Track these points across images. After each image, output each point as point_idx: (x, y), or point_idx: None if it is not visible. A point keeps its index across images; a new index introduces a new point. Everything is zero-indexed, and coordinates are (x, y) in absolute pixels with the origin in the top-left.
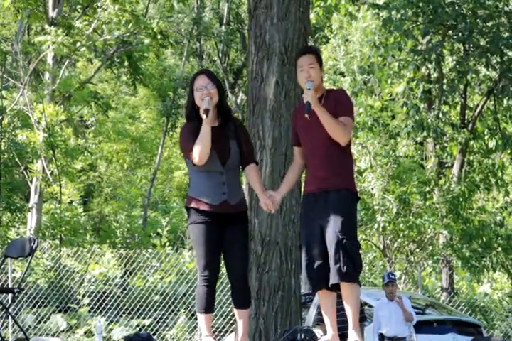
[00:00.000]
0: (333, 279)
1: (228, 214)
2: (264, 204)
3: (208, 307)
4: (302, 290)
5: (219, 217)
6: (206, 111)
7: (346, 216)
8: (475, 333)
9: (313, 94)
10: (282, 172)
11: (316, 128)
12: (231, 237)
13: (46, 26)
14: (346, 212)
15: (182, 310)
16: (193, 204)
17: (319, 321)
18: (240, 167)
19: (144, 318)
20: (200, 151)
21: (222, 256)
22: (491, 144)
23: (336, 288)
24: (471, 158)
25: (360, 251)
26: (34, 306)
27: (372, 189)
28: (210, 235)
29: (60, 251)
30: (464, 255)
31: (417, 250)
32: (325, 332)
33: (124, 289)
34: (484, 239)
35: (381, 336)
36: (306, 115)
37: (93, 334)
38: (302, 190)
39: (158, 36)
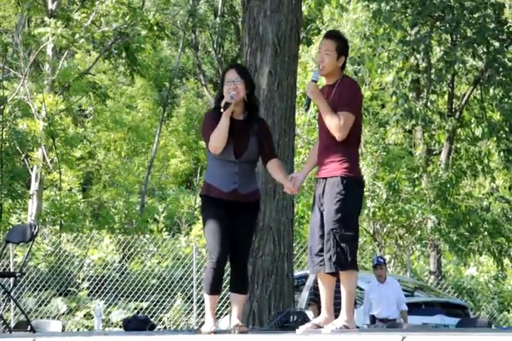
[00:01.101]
0: (327, 268)
1: (238, 203)
2: (287, 188)
3: (214, 289)
4: (295, 274)
5: (229, 204)
6: (226, 105)
7: (340, 203)
8: (462, 314)
9: (314, 87)
10: None
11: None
12: (238, 225)
13: (46, 18)
14: (340, 199)
15: (178, 294)
16: (205, 192)
17: (311, 301)
18: (262, 163)
19: (141, 301)
20: (215, 142)
21: None
22: (478, 132)
23: (334, 273)
24: (459, 145)
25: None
26: (35, 290)
27: (362, 175)
28: (222, 221)
29: (60, 236)
30: (451, 239)
31: (406, 234)
32: (316, 314)
33: (122, 273)
34: (471, 223)
35: (372, 317)
36: (305, 110)
37: (92, 317)
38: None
39: (155, 28)
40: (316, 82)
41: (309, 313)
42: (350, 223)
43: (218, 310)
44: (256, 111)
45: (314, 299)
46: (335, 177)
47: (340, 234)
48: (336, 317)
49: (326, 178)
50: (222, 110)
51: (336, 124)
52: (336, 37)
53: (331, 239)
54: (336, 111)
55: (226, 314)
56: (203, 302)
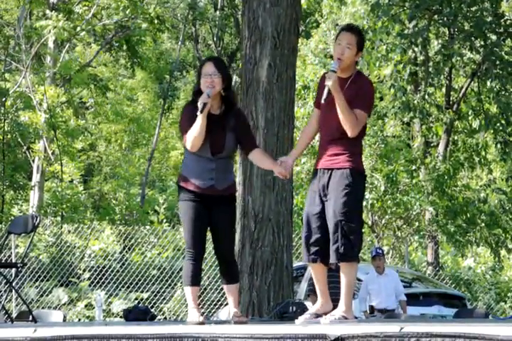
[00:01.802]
0: (332, 258)
1: (215, 196)
2: (278, 173)
3: (194, 281)
4: (294, 265)
5: (206, 198)
6: (203, 106)
7: (348, 195)
8: (459, 305)
9: (335, 79)
10: (275, 151)
11: (334, 109)
12: (218, 218)
13: (47, 11)
14: (348, 191)
15: (179, 284)
16: (182, 184)
17: (310, 292)
18: (244, 155)
19: (142, 292)
20: (192, 141)
21: (210, 235)
22: (475, 124)
23: (330, 263)
24: (456, 137)
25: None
26: (37, 280)
27: None
28: (198, 212)
29: (62, 227)
30: (448, 230)
31: (404, 226)
32: (314, 304)
33: (123, 264)
34: (468, 215)
35: (371, 308)
36: (323, 101)
37: (93, 307)
38: (294, 168)
39: (155, 21)
40: (335, 72)
41: (308, 304)
42: (357, 215)
43: (218, 301)
44: (233, 105)
45: (313, 289)
46: (343, 168)
47: (348, 225)
48: (334, 307)
49: (331, 169)
50: (199, 111)
51: (352, 121)
52: (357, 31)
53: (339, 231)
54: (350, 106)
55: (226, 304)
56: (202, 293)
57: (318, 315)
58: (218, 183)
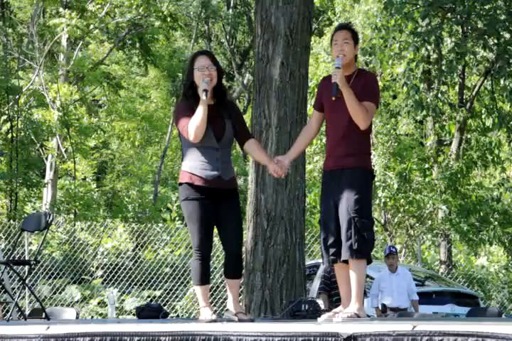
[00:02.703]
0: (345, 255)
1: (221, 190)
2: (272, 170)
3: (204, 280)
4: (307, 263)
5: (212, 192)
6: (205, 92)
7: (359, 194)
8: (472, 304)
9: (342, 74)
10: (287, 149)
11: (341, 108)
12: (225, 213)
13: (61, 9)
14: (359, 190)
15: (191, 282)
16: (187, 180)
17: (321, 290)
18: (239, 146)
19: (154, 289)
20: (196, 129)
21: (217, 230)
22: (488, 123)
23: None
24: (469, 136)
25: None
26: (50, 278)
27: (374, 166)
28: (204, 211)
29: (75, 225)
30: (461, 229)
31: (417, 224)
32: (326, 302)
33: (136, 262)
34: (481, 213)
35: (383, 306)
36: (333, 97)
37: (106, 305)
38: (307, 166)
39: (168, 19)
40: (340, 68)
41: (320, 302)
42: (369, 213)
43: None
44: (225, 96)
45: (325, 288)
46: (354, 168)
47: (361, 222)
48: (337, 306)
49: (342, 170)
50: (202, 97)
51: (363, 113)
52: (349, 28)
53: (352, 227)
54: (358, 99)
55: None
56: (215, 291)
57: None
58: (224, 173)
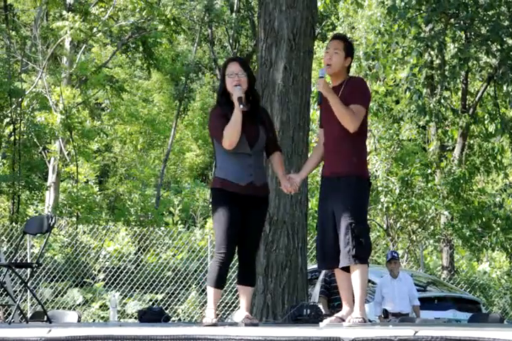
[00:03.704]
0: (343, 262)
1: (252, 197)
2: (284, 186)
3: (219, 284)
4: (309, 267)
5: (243, 199)
6: (240, 100)
7: (355, 201)
8: (474, 310)
9: (325, 83)
10: (290, 153)
11: (333, 117)
12: (251, 220)
13: (64, 12)
14: (355, 197)
15: (193, 286)
16: (219, 185)
17: (321, 294)
18: (266, 154)
19: (156, 293)
20: (230, 137)
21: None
22: (491, 128)
23: (347, 269)
24: (472, 141)
25: (371, 234)
26: (52, 280)
27: (376, 171)
28: (233, 216)
29: (77, 228)
30: (464, 235)
31: (419, 230)
32: (325, 306)
33: (138, 265)
34: (484, 219)
35: (385, 312)
36: (318, 105)
37: (108, 308)
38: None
39: (171, 23)
40: (323, 77)
41: (320, 306)
42: (365, 219)
43: (233, 303)
44: (258, 103)
45: (324, 292)
46: (350, 176)
47: (358, 228)
48: (337, 311)
49: (339, 177)
50: (236, 105)
51: (350, 116)
52: (343, 38)
53: (349, 233)
54: (347, 104)
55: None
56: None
57: (343, 320)
58: (257, 179)
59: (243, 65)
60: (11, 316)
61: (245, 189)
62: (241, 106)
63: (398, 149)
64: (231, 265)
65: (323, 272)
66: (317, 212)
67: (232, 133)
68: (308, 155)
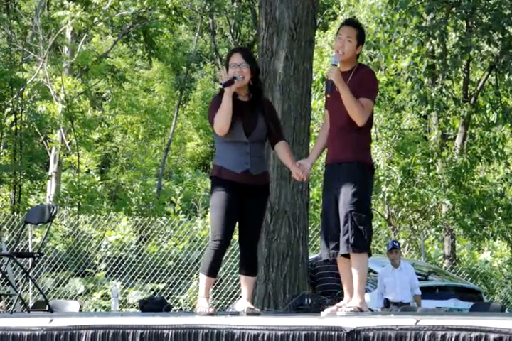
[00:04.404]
0: (343, 250)
1: (249, 186)
2: (295, 174)
3: (213, 271)
4: (310, 257)
5: (240, 187)
6: (230, 82)
7: (357, 188)
8: (476, 299)
9: (338, 72)
10: (291, 143)
11: (338, 103)
12: (250, 209)
13: (65, 2)
14: (357, 184)
15: (194, 275)
16: (216, 174)
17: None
18: (270, 145)
19: (158, 283)
20: (219, 122)
21: (237, 224)
22: (492, 117)
23: (348, 255)
24: (473, 130)
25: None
26: (53, 270)
27: (377, 160)
28: (230, 204)
29: (78, 217)
30: (465, 224)
31: (421, 219)
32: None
33: (139, 255)
34: (485, 208)
35: (386, 301)
36: (328, 95)
37: (109, 298)
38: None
39: (173, 12)
40: (336, 65)
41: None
42: (366, 206)
43: (234, 292)
44: (261, 94)
45: (309, 281)
46: (351, 162)
47: (358, 216)
48: (339, 300)
49: (340, 163)
50: (224, 87)
51: (359, 110)
52: (356, 25)
53: (349, 221)
54: (355, 96)
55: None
56: (218, 284)
57: None
58: (253, 168)
59: (246, 55)
60: (13, 306)
61: (241, 177)
62: (226, 88)
63: (399, 138)
64: (233, 254)
65: (307, 261)
66: (318, 201)
67: (220, 119)
68: (310, 145)
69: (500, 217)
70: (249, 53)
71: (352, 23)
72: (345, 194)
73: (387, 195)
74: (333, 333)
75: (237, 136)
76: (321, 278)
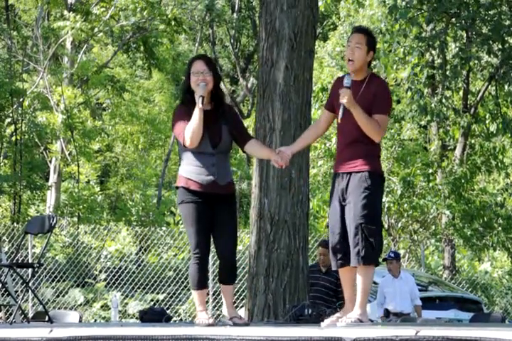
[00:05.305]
0: (353, 262)
1: (217, 195)
2: (274, 161)
3: (201, 284)
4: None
5: (208, 197)
6: (201, 98)
7: (367, 199)
8: (476, 309)
9: (350, 95)
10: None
11: (350, 113)
12: (221, 218)
13: (65, 12)
14: (367, 194)
15: None
16: (182, 184)
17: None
18: (240, 148)
19: (158, 293)
20: (191, 135)
21: (212, 235)
22: (492, 128)
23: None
24: (473, 141)
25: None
26: (53, 281)
27: None
28: (200, 214)
29: (78, 228)
30: (465, 234)
31: (421, 229)
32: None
33: (139, 265)
34: (485, 219)
35: (386, 311)
36: (339, 119)
37: (109, 308)
38: (311, 170)
39: (173, 22)
40: (349, 88)
41: None
42: (377, 218)
43: (234, 302)
44: (222, 101)
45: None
46: (362, 172)
47: (368, 228)
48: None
49: (350, 173)
50: (198, 104)
51: (376, 129)
52: (366, 32)
53: (359, 234)
54: (368, 110)
55: (241, 306)
56: (219, 294)
57: None
58: (220, 178)
59: (208, 63)
60: (13, 316)
61: (209, 187)
62: (200, 104)
63: (399, 149)
64: None
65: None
66: (318, 211)
67: (192, 132)
68: (310, 155)
69: (500, 228)
70: (211, 61)
71: (361, 29)
72: (356, 204)
73: (387, 205)
74: None
75: (203, 148)
76: (312, 288)
